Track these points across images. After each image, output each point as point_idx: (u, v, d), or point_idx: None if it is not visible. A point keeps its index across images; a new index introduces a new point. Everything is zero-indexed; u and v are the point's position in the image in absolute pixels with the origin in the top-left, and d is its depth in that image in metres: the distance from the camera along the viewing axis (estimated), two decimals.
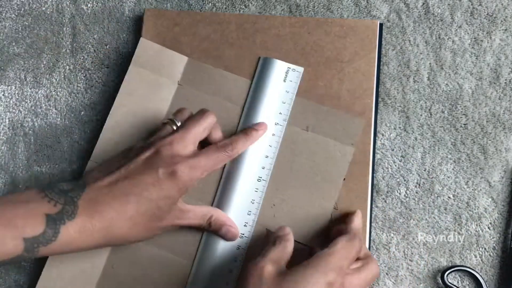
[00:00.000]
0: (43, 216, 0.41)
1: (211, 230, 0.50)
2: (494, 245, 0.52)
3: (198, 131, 0.48)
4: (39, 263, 0.52)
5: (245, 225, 0.51)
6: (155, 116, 0.53)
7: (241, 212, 0.51)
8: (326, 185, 0.51)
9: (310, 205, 0.51)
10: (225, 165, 0.52)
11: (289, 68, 0.53)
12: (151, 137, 0.48)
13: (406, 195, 0.53)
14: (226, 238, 0.50)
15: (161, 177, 0.44)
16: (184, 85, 0.54)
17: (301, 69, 0.53)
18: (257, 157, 0.52)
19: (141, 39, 0.54)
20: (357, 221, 0.49)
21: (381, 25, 0.54)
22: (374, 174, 0.53)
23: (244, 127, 0.52)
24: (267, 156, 0.52)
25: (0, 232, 0.40)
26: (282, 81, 0.53)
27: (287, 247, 0.45)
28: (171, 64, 0.54)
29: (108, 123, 0.53)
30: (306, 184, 0.52)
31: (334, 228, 0.50)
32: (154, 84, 0.54)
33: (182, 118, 0.49)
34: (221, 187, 0.52)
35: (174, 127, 0.49)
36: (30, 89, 0.57)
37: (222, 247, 0.50)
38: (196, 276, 0.50)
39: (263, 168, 0.52)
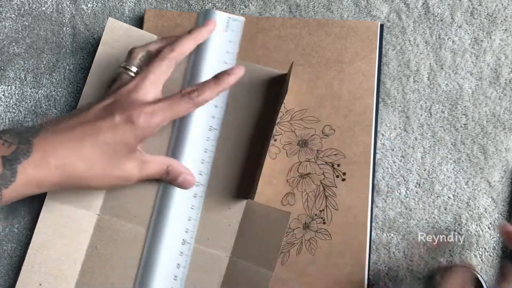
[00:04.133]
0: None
1: (168, 180, 0.50)
2: (494, 245, 0.52)
3: (158, 75, 0.47)
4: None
5: (200, 174, 0.51)
6: None
7: (195, 162, 0.51)
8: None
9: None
10: None
11: (230, 18, 0.54)
12: (108, 90, 0.48)
13: (406, 195, 0.54)
14: (183, 186, 0.50)
15: (117, 122, 0.44)
16: None
17: (242, 19, 0.54)
18: (207, 106, 0.52)
19: (110, 18, 0.54)
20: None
21: (381, 26, 0.54)
22: (374, 174, 0.53)
23: (190, 79, 0.52)
24: (216, 106, 0.52)
25: None
26: (224, 31, 0.54)
27: None
28: (140, 42, 0.54)
29: (80, 104, 0.53)
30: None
31: None
32: None
33: (135, 62, 0.49)
34: (174, 139, 0.52)
35: (131, 74, 0.48)
36: (30, 89, 0.57)
37: (178, 196, 0.51)
38: (155, 226, 0.51)
39: (213, 117, 0.52)
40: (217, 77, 0.47)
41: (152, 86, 0.46)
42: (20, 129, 0.44)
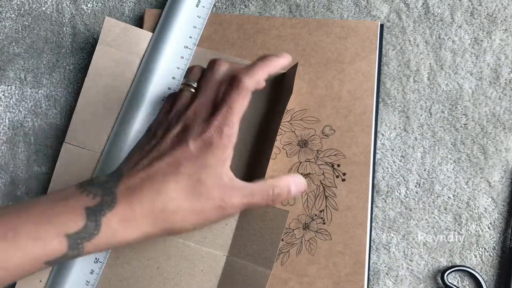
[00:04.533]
0: (83, 210, 0.39)
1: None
2: (494, 245, 0.53)
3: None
4: None
5: None
6: (125, 94, 0.54)
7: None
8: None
9: None
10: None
11: None
12: (171, 106, 0.45)
13: (406, 195, 0.54)
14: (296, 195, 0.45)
15: (193, 149, 0.41)
16: None
17: None
18: (165, 79, 0.53)
19: (106, 17, 0.54)
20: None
21: (381, 26, 0.54)
22: (374, 174, 0.53)
23: (152, 49, 0.53)
24: (173, 78, 0.53)
25: (44, 230, 0.38)
26: (195, 6, 0.54)
27: None
28: (138, 41, 0.54)
29: (79, 104, 0.53)
30: None
31: None
32: (122, 62, 0.54)
33: (196, 78, 0.46)
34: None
35: (192, 90, 0.46)
36: (30, 89, 0.57)
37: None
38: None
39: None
40: (264, 58, 0.45)
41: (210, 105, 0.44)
42: (101, 179, 0.41)
